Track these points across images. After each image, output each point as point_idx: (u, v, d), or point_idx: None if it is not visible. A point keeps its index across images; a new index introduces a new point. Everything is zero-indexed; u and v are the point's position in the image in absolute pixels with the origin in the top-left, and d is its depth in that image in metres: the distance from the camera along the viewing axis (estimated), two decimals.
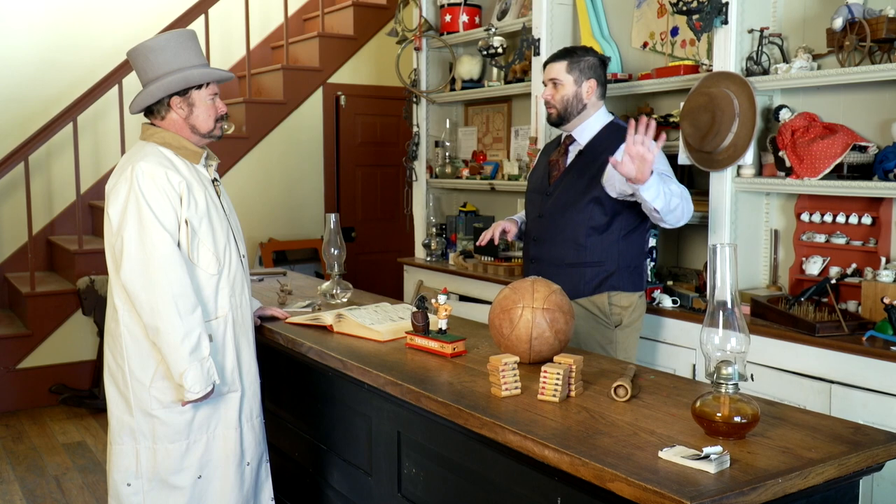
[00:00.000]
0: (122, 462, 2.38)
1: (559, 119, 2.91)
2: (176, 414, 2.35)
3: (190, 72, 2.39)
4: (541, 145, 3.93)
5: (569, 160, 2.92)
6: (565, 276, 2.77)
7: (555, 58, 2.93)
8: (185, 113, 2.43)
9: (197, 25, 5.45)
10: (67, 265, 5.39)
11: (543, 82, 2.96)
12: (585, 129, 2.89)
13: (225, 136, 2.58)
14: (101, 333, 4.95)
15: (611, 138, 2.83)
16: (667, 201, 2.54)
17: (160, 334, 2.24)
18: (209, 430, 2.41)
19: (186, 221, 2.33)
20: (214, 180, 2.53)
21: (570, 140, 2.94)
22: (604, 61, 2.94)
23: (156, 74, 2.38)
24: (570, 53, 2.91)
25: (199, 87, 2.43)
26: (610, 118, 2.92)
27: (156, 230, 2.26)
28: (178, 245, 2.32)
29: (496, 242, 3.13)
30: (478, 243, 3.16)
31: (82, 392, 5.09)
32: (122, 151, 5.34)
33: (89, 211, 5.86)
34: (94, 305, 4.84)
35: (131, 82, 5.02)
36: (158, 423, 2.35)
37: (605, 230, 2.80)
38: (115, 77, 5.33)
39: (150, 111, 2.45)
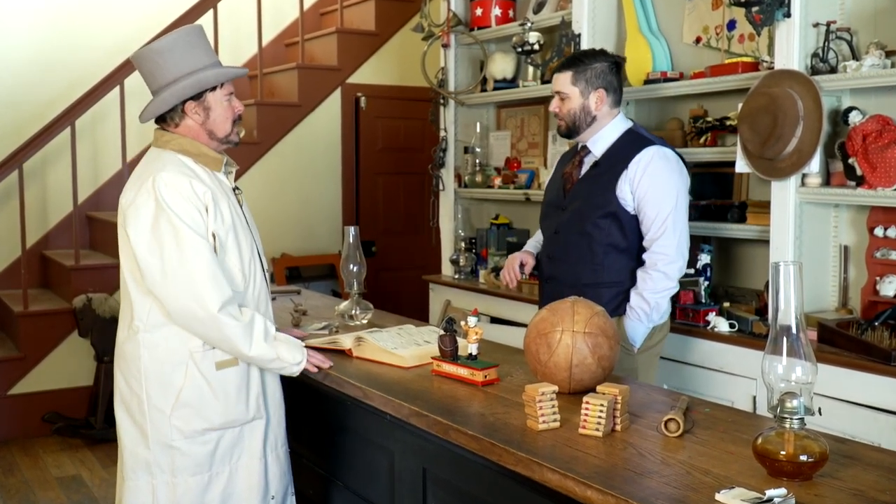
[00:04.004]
0: (136, 499, 2.39)
1: (569, 132, 3.01)
2: (198, 444, 2.37)
3: (203, 74, 2.41)
4: None
5: (583, 172, 3.00)
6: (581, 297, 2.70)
7: (560, 68, 3.01)
8: (201, 118, 2.45)
9: (204, 21, 5.51)
10: (63, 282, 5.46)
11: (551, 93, 3.02)
12: (600, 140, 2.96)
13: None
14: (98, 357, 4.99)
15: (627, 148, 2.90)
16: (657, 313, 2.84)
17: (232, 344, 2.32)
18: (232, 461, 2.43)
19: (214, 235, 2.36)
20: (235, 188, 2.56)
21: (586, 151, 3.01)
22: (618, 64, 3.00)
23: (166, 80, 2.40)
24: (576, 62, 2.96)
25: (214, 88, 2.45)
26: (627, 126, 2.98)
27: (194, 242, 2.30)
28: None
29: (519, 279, 3.20)
30: (503, 282, 3.29)
31: (78, 421, 5.14)
32: (124, 158, 5.42)
33: (87, 223, 5.93)
34: (91, 326, 4.89)
35: (133, 84, 5.08)
36: (178, 455, 2.36)
37: (623, 247, 2.88)
38: (115, 78, 5.41)
39: (161, 118, 2.47)
